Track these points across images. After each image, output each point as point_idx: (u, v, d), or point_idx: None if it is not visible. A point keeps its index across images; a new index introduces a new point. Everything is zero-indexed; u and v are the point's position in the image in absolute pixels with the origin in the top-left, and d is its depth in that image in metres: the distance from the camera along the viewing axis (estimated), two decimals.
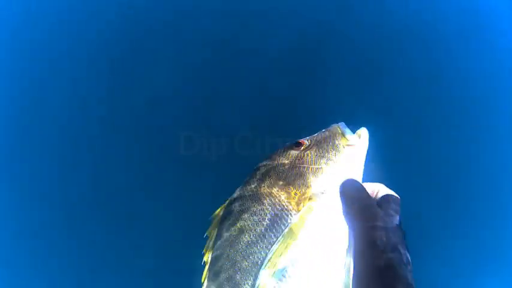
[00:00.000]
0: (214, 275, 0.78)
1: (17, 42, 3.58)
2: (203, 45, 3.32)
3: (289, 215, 0.70)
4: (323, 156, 0.78)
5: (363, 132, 0.86)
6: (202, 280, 0.83)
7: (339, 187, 0.73)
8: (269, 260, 0.64)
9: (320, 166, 0.75)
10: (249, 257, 0.71)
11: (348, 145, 0.81)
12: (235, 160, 2.87)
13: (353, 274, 0.64)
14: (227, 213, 0.83)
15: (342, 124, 0.88)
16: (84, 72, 3.34)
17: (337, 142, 0.81)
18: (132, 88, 3.28)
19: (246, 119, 3.02)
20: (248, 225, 0.74)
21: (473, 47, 3.46)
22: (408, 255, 0.64)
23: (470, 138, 3.08)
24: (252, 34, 3.30)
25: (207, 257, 0.84)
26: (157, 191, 3.04)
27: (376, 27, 3.31)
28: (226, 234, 0.77)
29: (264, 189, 0.77)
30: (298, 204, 0.71)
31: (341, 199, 0.71)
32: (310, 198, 0.71)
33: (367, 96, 3.02)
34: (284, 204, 0.72)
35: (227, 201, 0.88)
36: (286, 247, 0.65)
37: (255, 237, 0.71)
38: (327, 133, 0.85)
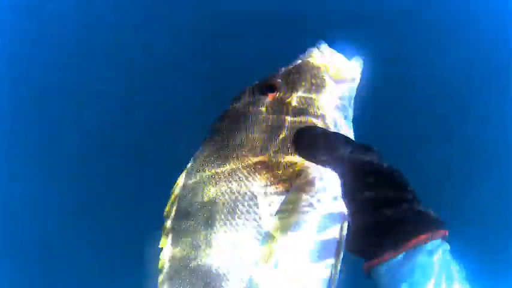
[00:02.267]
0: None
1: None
2: (203, 46, 3.33)
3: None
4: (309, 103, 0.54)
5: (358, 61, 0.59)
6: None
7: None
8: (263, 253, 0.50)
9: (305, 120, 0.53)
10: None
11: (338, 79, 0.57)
12: None
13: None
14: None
15: (323, 45, 0.60)
16: (84, 73, 3.34)
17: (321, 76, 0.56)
18: (132, 88, 3.28)
19: None
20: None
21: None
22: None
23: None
24: (251, 35, 3.30)
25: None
26: (158, 190, 3.02)
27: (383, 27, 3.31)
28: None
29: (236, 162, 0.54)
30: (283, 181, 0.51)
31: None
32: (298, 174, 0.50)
33: (368, 97, 3.01)
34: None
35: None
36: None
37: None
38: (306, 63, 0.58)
